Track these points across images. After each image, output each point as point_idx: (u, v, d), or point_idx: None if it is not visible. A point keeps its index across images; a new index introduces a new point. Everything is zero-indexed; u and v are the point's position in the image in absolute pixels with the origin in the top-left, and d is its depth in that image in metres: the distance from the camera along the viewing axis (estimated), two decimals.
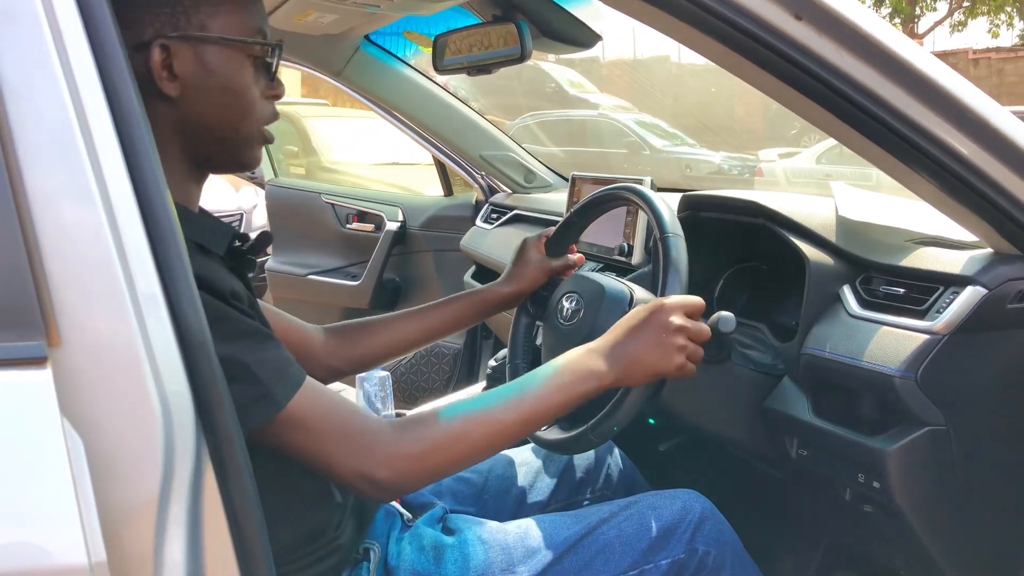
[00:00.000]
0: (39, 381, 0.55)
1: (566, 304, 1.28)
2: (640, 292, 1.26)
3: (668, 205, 1.20)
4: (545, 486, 1.32)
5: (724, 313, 1.16)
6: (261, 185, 6.63)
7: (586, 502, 1.32)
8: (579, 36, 1.56)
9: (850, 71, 0.95)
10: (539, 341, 1.49)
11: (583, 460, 1.35)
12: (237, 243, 0.95)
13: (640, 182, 1.66)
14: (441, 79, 2.28)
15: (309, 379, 0.88)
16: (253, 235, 0.99)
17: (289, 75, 14.71)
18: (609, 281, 1.27)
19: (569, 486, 1.33)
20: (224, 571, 0.68)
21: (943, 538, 1.15)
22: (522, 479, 1.32)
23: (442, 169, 2.76)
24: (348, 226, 2.86)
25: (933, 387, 1.08)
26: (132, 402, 0.60)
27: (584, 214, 1.39)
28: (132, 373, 0.60)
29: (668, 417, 1.28)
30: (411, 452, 0.90)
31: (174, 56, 0.88)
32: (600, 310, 1.22)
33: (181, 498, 0.63)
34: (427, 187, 3.33)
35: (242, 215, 6.13)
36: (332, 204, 2.90)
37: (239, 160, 0.97)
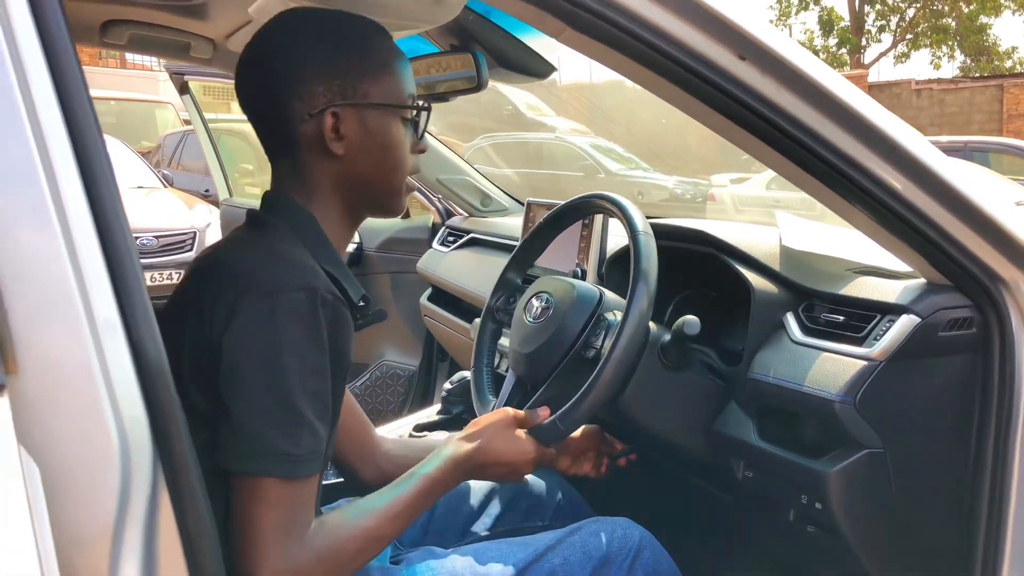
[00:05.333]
0: None
1: (535, 303, 1.31)
2: (609, 294, 1.29)
3: (637, 209, 1.25)
4: (493, 511, 1.34)
5: (689, 317, 1.21)
6: (215, 204, 6.57)
7: (536, 528, 1.33)
8: (534, 67, 1.60)
9: (790, 109, 1.00)
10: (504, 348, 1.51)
11: (532, 488, 1.37)
12: (361, 303, 1.02)
13: None
14: None
15: (316, 478, 0.91)
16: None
17: None
18: (580, 282, 1.30)
19: (517, 513, 1.34)
20: None
21: (881, 556, 1.20)
22: (472, 502, 1.33)
23: None
24: None
25: (871, 411, 1.12)
26: (89, 429, 0.61)
27: (555, 223, 1.43)
28: (89, 400, 0.61)
29: (625, 420, 1.31)
30: (313, 572, 0.90)
31: (342, 120, 0.99)
32: (570, 309, 1.25)
33: (137, 524, 0.64)
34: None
35: (195, 233, 6.06)
36: None
37: (389, 207, 1.08)
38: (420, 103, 1.05)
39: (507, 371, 1.39)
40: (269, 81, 0.99)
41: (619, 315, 1.24)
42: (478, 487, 1.35)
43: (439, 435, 1.68)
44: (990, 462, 1.15)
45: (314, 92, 0.97)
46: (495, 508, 1.34)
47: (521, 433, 1.14)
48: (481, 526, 1.31)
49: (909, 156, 1.03)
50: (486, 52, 1.54)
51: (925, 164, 1.03)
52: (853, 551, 1.19)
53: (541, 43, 1.61)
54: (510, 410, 1.16)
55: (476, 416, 1.70)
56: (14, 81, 0.62)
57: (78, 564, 0.59)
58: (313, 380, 0.89)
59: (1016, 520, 1.15)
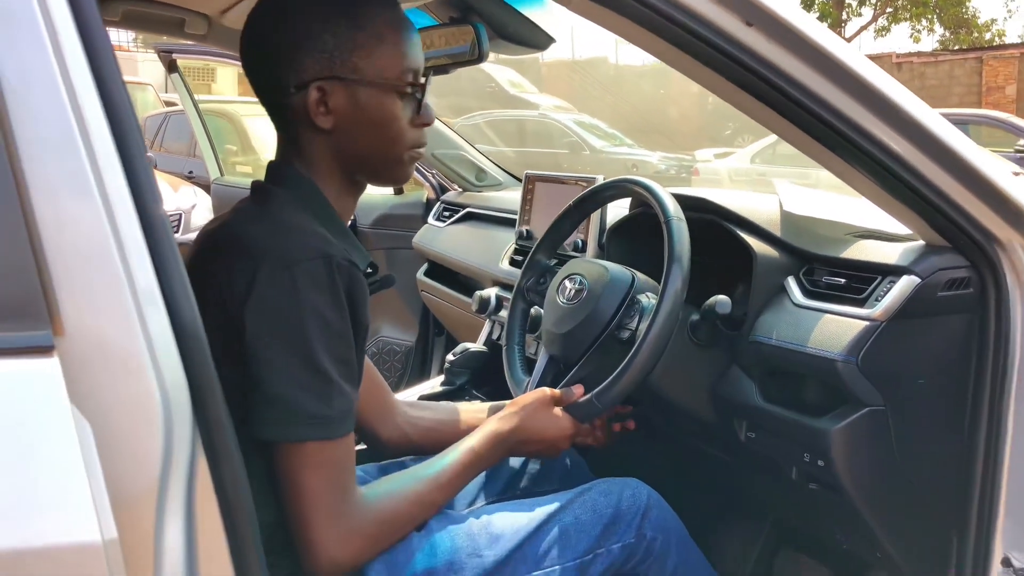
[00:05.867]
0: (48, 370, 0.57)
1: (568, 284, 1.33)
2: (640, 276, 1.32)
3: (668, 193, 1.29)
4: (503, 476, 1.36)
5: (721, 297, 1.25)
6: (199, 185, 6.53)
7: (543, 492, 1.36)
8: (534, 38, 1.60)
9: (796, 74, 1.02)
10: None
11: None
12: (369, 270, 1.02)
13: (593, 180, 1.72)
14: None
15: (351, 435, 0.94)
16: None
17: (225, 73, 14.52)
18: (612, 264, 1.33)
19: (524, 478, 1.37)
20: (215, 550, 0.71)
21: (881, 511, 1.23)
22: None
23: None
24: None
25: (872, 370, 1.15)
26: (135, 390, 0.62)
27: (584, 205, 1.45)
28: (134, 362, 0.62)
29: (649, 394, 1.34)
30: (367, 532, 0.96)
31: (329, 94, 0.97)
32: (604, 291, 1.28)
33: (179, 484, 0.66)
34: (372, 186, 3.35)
35: (181, 215, 6.02)
36: None
37: (389, 178, 1.09)
38: (416, 80, 1.03)
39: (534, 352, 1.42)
40: (263, 51, 0.99)
41: (652, 297, 1.27)
42: None
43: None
44: (986, 417, 1.19)
45: (303, 64, 0.96)
46: (504, 473, 1.36)
47: (558, 411, 1.19)
48: (491, 491, 1.34)
49: (911, 120, 1.05)
50: (485, 24, 1.55)
51: (926, 128, 1.06)
52: (854, 505, 1.23)
53: (539, 14, 1.62)
54: (547, 390, 1.20)
55: (478, 387, 1.73)
56: (50, 49, 0.63)
57: (126, 522, 0.60)
58: (337, 344, 0.91)
59: (1011, 472, 1.19)
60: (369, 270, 1.03)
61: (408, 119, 1.03)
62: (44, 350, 0.57)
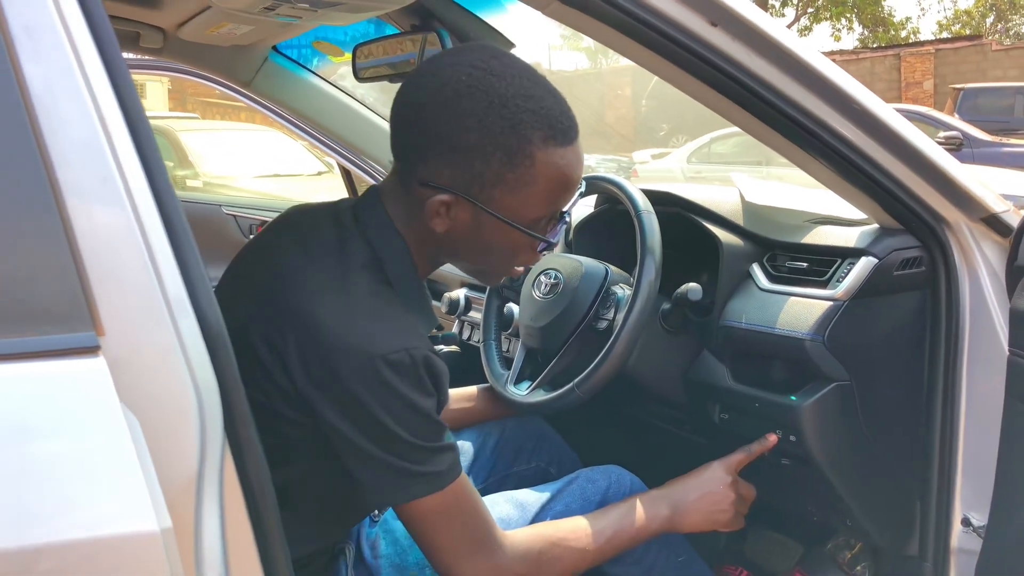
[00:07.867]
0: (96, 368, 0.59)
1: (544, 279, 1.38)
2: (613, 269, 1.38)
3: (637, 188, 1.35)
4: (484, 462, 1.41)
5: (692, 285, 1.31)
6: None
7: (524, 470, 1.42)
8: (494, 43, 1.65)
9: (759, 71, 1.08)
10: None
11: (513, 435, 1.45)
12: (434, 330, 1.03)
13: None
14: (349, 88, 2.31)
15: (464, 475, 0.96)
16: None
17: (155, 89, 14.19)
18: (586, 259, 1.38)
19: (504, 460, 1.42)
20: (243, 539, 0.73)
21: (850, 480, 1.31)
22: (463, 463, 1.40)
23: (347, 176, 2.79)
24: (252, 236, 2.84)
25: (838, 347, 1.23)
26: (172, 389, 0.64)
27: None
28: (169, 362, 0.65)
29: (626, 381, 1.40)
30: (515, 570, 0.99)
31: (453, 207, 0.93)
32: (580, 284, 1.33)
33: (213, 475, 0.68)
34: (315, 197, 3.35)
35: None
36: (234, 215, 2.88)
37: (481, 280, 1.08)
38: (553, 218, 0.99)
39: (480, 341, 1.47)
40: (410, 123, 0.94)
41: (626, 288, 1.33)
42: (471, 438, 1.42)
43: None
44: (941, 386, 1.27)
45: (440, 167, 0.92)
46: (485, 459, 1.41)
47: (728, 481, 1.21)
48: (477, 479, 1.38)
49: (865, 112, 1.12)
50: (448, 30, 1.58)
51: (879, 118, 1.13)
52: (825, 477, 1.30)
53: (499, 21, 1.67)
54: (730, 468, 1.22)
55: (452, 386, 1.77)
56: (73, 60, 0.65)
57: (174, 513, 0.62)
58: (431, 423, 0.93)
59: (966, 438, 1.27)
60: (434, 330, 1.04)
61: (530, 247, 1.00)
62: (91, 350, 0.59)
